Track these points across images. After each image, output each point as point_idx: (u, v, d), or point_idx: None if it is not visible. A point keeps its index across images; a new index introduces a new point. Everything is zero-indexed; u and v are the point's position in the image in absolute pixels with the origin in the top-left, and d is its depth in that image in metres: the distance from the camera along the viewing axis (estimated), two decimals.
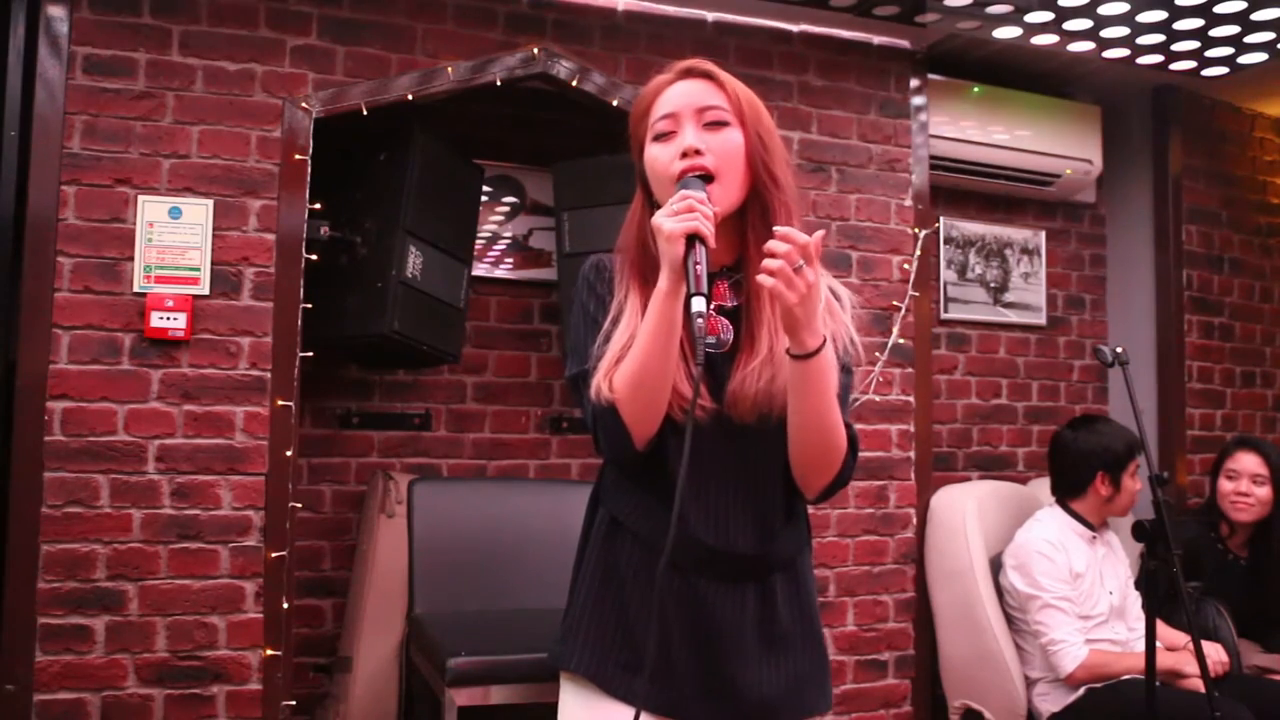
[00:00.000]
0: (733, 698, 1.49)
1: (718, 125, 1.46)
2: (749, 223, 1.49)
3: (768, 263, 1.28)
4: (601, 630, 1.53)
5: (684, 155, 1.43)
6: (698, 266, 1.32)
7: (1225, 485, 3.23)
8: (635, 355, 1.40)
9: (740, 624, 1.49)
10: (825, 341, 1.35)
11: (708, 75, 1.50)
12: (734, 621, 1.49)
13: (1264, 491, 3.17)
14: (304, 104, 2.73)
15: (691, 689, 1.49)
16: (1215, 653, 2.86)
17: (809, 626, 1.57)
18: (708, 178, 1.42)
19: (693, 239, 1.33)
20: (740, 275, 1.51)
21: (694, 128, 1.45)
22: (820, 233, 1.32)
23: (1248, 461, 3.21)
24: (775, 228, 1.31)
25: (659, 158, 1.47)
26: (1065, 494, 3.10)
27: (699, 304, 1.30)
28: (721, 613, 1.49)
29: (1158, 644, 2.41)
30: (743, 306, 1.50)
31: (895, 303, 3.35)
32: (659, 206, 1.44)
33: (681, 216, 1.33)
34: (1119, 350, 2.53)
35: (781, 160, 1.50)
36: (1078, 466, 3.05)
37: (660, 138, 1.48)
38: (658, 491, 1.49)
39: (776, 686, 1.51)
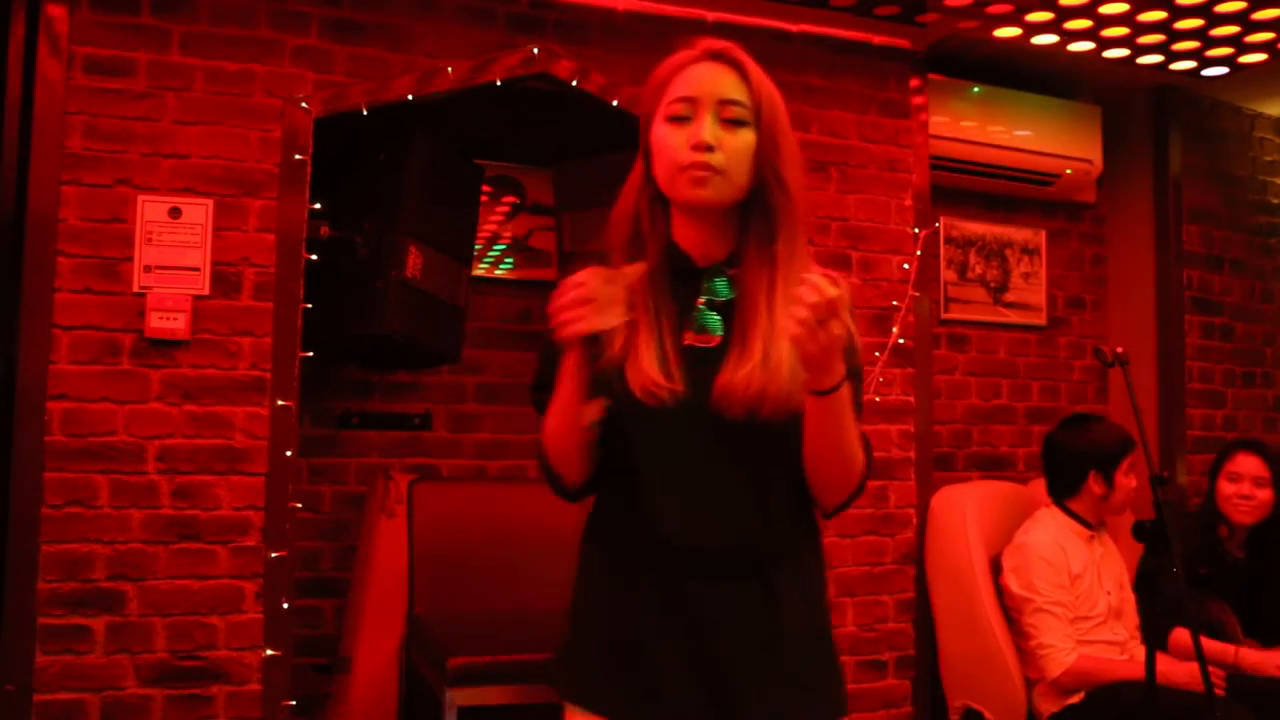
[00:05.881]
0: (730, 701, 1.42)
1: (736, 125, 1.40)
2: (751, 220, 1.44)
3: (796, 310, 1.24)
4: (587, 652, 1.49)
5: (695, 147, 1.38)
6: (581, 372, 1.37)
7: (1227, 487, 3.21)
8: (553, 415, 1.45)
9: (735, 623, 1.42)
10: (844, 378, 1.33)
11: (736, 65, 1.42)
12: (727, 621, 1.42)
13: (1265, 494, 3.16)
14: (304, 104, 2.73)
15: (681, 691, 1.41)
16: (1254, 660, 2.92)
17: (817, 628, 1.49)
18: (602, 257, 1.46)
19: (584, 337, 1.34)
20: (737, 270, 1.45)
21: (713, 120, 1.39)
22: (846, 284, 1.30)
23: (1249, 464, 3.19)
24: (805, 275, 1.26)
25: (668, 141, 1.40)
26: (1061, 494, 3.09)
27: (590, 413, 1.35)
28: (712, 612, 1.42)
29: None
30: (735, 302, 1.44)
31: (895, 303, 3.35)
32: (656, 182, 1.44)
33: (562, 322, 1.33)
34: (1119, 350, 2.53)
35: (792, 163, 1.44)
36: (1070, 466, 3.04)
37: (675, 120, 1.40)
38: (625, 496, 1.47)
39: (778, 696, 1.43)
